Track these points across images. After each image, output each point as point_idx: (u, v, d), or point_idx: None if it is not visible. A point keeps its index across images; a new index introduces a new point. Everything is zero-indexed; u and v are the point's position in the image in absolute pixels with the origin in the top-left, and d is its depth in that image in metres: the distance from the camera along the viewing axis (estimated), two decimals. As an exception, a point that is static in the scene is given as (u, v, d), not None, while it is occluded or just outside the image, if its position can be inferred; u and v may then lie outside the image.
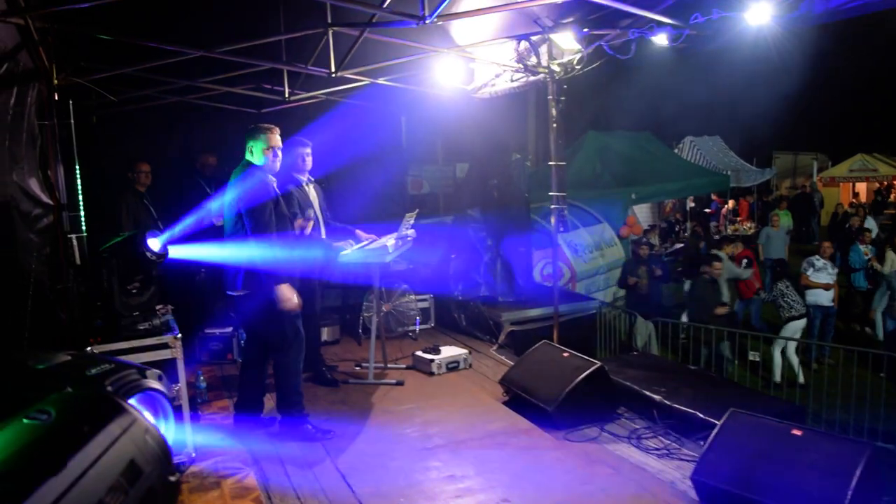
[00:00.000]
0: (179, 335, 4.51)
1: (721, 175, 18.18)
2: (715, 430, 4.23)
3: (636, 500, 4.10)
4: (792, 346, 9.38)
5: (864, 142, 27.48)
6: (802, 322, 9.60)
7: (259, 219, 4.70)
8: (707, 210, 22.47)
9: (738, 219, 20.99)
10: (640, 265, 10.70)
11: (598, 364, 5.32)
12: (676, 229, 19.63)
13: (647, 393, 5.59)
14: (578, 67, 5.77)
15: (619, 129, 16.90)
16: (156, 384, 1.83)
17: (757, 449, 4.00)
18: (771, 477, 3.81)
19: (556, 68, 5.93)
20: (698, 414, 5.23)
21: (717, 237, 16.55)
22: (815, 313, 9.96)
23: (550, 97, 5.97)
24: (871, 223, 15.73)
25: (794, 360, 9.32)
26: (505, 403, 5.73)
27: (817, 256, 10.15)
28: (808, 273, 10.01)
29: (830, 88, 30.75)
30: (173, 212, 6.33)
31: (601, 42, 5.46)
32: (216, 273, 4.99)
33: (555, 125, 6.01)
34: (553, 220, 6.26)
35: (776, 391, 8.75)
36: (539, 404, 5.26)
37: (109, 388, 1.86)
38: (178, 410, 4.40)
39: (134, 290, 4.61)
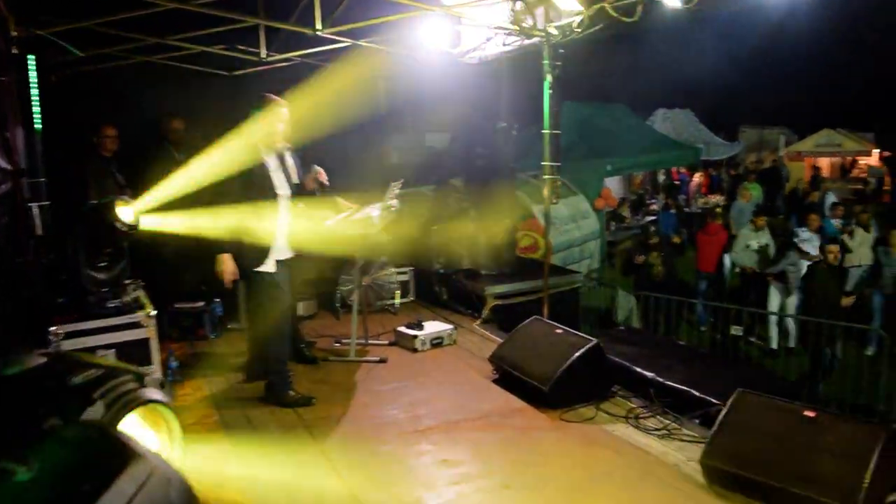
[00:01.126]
0: (154, 313, 4.19)
1: (693, 148, 18.11)
2: (723, 412, 4.05)
3: (642, 485, 3.91)
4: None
5: (830, 117, 27.72)
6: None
7: (229, 189, 4.67)
8: (675, 182, 22.46)
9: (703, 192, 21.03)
10: (652, 250, 10.09)
11: (595, 341, 5.12)
12: (647, 202, 19.60)
13: (643, 371, 5.43)
14: (579, 31, 5.48)
15: (595, 101, 16.67)
16: (158, 395, 1.37)
17: (768, 431, 3.83)
18: (783, 460, 3.65)
19: (554, 31, 5.64)
20: (695, 392, 5.10)
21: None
22: (799, 284, 9.92)
23: (546, 62, 5.69)
24: (831, 198, 15.76)
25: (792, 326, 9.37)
26: (495, 381, 5.51)
27: (804, 229, 10.12)
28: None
29: (799, 63, 30.96)
30: (140, 179, 5.97)
31: (604, 3, 5.18)
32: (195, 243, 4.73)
33: (549, 92, 5.74)
34: (546, 191, 6.01)
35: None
36: (533, 383, 5.04)
37: (100, 403, 1.38)
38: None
39: (102, 264, 4.28)
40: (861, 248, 10.13)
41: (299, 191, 5.39)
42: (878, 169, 25.88)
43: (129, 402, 1.33)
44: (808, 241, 9.93)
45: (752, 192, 16.07)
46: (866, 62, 32.59)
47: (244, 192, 4.73)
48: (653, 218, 17.95)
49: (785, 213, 17.19)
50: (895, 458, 3.76)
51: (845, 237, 10.98)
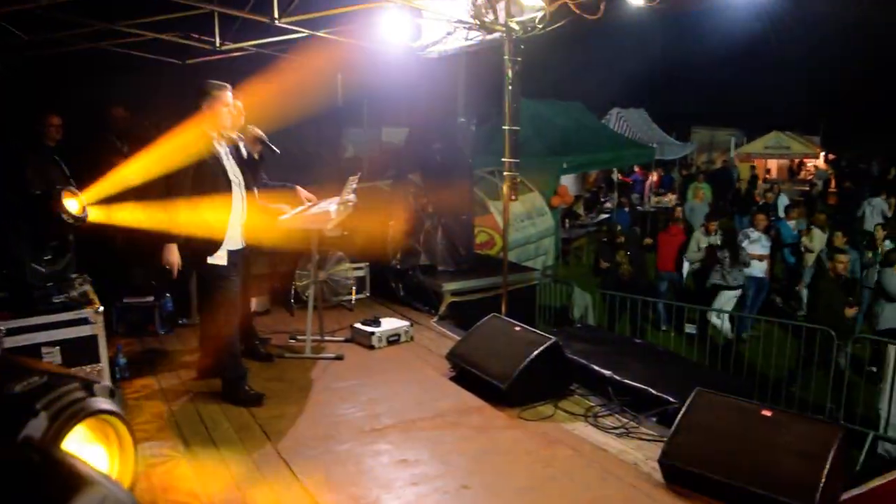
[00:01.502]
0: (102, 309, 4.03)
1: (647, 147, 18.31)
2: (682, 411, 4.06)
3: (602, 484, 3.89)
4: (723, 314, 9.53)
5: (779, 120, 28.38)
6: (734, 293, 9.67)
7: (183, 178, 4.57)
8: (627, 181, 22.65)
9: (662, 191, 21.28)
10: (619, 249, 10.00)
11: (554, 340, 5.10)
12: (602, 200, 19.74)
13: (601, 369, 5.44)
14: (540, 27, 5.44)
15: (551, 99, 16.70)
16: (108, 404, 1.19)
17: (726, 430, 3.85)
18: (741, 459, 3.67)
19: (515, 27, 5.59)
20: (652, 390, 5.12)
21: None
22: (749, 284, 10.07)
23: (507, 57, 5.64)
24: (783, 200, 15.97)
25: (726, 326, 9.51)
26: (452, 379, 5.46)
27: (752, 228, 10.27)
28: (744, 244, 10.11)
29: (749, 66, 31.61)
30: (83, 170, 5.76)
31: None
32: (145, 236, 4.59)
33: (510, 87, 5.69)
34: (505, 188, 5.97)
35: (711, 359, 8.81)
36: (491, 381, 5.00)
37: (43, 415, 1.18)
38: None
39: (47, 258, 4.10)
40: (819, 249, 10.38)
41: (253, 167, 5.28)
42: (824, 171, 26.56)
43: (75, 414, 1.14)
44: (758, 242, 10.07)
45: (705, 192, 16.39)
46: (814, 67, 33.43)
47: (197, 181, 4.61)
48: (607, 216, 18.14)
49: (729, 213, 17.41)
50: (847, 456, 3.85)
51: (804, 239, 11.22)
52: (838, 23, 29.45)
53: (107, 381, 3.94)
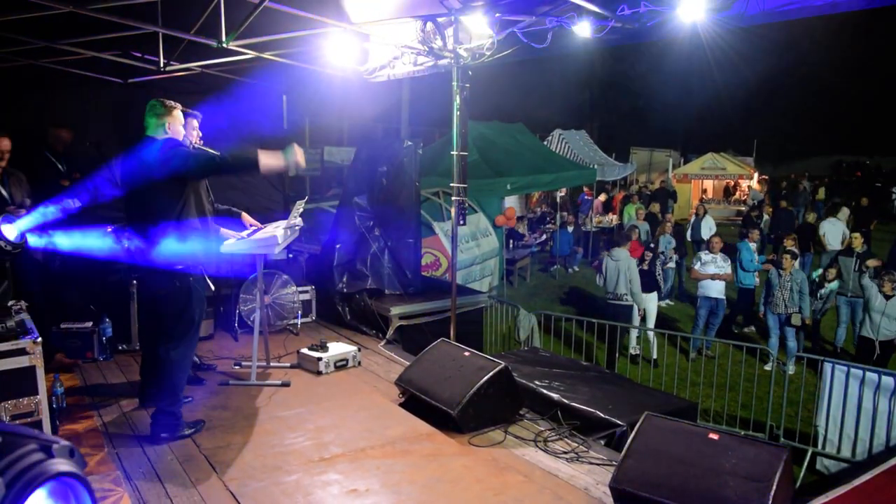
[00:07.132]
0: (40, 339, 3.87)
1: (589, 168, 18.58)
2: (631, 436, 4.11)
3: (553, 511, 3.91)
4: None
5: (713, 141, 29.30)
6: None
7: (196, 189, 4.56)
8: (577, 201, 22.91)
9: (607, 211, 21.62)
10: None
11: (503, 364, 5.11)
12: (549, 220, 19.96)
13: (549, 393, 5.49)
14: (488, 54, 5.48)
15: (494, 120, 16.86)
16: (68, 465, 1.09)
17: (675, 454, 3.91)
18: (691, 483, 3.73)
19: (464, 53, 5.63)
20: (600, 414, 5.17)
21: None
22: (702, 304, 10.27)
23: (455, 83, 5.67)
24: (709, 222, 16.12)
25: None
26: (401, 405, 5.42)
27: (706, 251, 10.43)
28: (696, 266, 10.33)
29: (687, 90, 32.52)
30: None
31: (515, 28, 5.20)
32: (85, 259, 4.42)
33: (458, 113, 5.71)
34: (453, 211, 5.98)
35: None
36: (441, 407, 4.98)
37: (0, 480, 1.08)
38: (37, 429, 3.81)
39: (-19, 286, 3.94)
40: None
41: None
42: (757, 192, 27.36)
43: (35, 479, 1.04)
44: (711, 263, 10.24)
45: (644, 212, 16.73)
46: (745, 91, 34.67)
47: (203, 194, 4.67)
48: (546, 237, 18.40)
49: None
50: (790, 475, 3.95)
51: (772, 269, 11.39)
52: (770, 50, 30.62)
53: (46, 415, 3.79)
